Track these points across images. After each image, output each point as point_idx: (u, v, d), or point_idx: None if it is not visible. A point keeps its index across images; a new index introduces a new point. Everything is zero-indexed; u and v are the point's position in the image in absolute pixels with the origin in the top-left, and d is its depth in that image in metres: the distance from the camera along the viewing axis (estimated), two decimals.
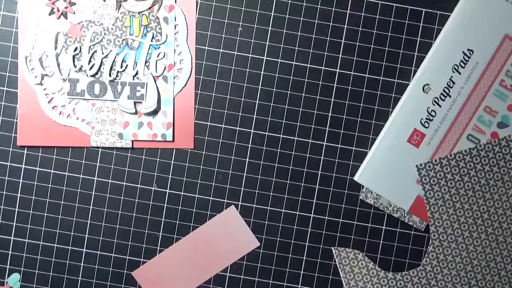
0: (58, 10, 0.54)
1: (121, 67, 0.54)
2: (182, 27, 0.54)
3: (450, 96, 0.52)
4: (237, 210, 0.55)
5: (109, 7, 0.54)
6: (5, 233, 0.55)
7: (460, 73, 0.52)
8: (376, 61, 0.54)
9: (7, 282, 0.55)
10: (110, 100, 0.54)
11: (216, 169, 0.55)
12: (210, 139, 0.55)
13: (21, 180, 0.55)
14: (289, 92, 0.55)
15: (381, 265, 0.55)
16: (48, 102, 0.54)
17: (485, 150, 0.51)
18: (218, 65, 0.55)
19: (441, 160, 0.51)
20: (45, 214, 0.55)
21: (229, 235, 0.55)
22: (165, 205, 0.55)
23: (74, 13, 0.54)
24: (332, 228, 0.55)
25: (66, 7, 0.54)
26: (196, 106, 0.55)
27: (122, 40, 0.54)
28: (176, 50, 0.54)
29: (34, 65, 0.54)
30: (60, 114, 0.54)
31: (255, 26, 0.55)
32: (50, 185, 0.55)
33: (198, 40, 0.55)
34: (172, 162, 0.55)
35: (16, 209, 0.55)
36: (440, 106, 0.52)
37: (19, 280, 0.55)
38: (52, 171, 0.55)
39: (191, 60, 0.54)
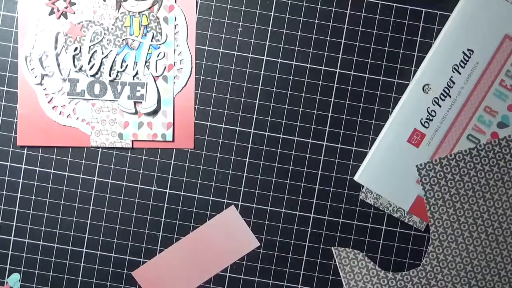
0: (58, 10, 0.54)
1: (121, 67, 0.54)
2: (182, 27, 0.54)
3: (450, 96, 0.52)
4: (237, 210, 0.55)
5: (109, 7, 0.54)
6: (5, 233, 0.55)
7: (460, 73, 0.52)
8: (376, 61, 0.54)
9: (7, 282, 0.55)
10: (110, 100, 0.54)
11: (216, 169, 0.55)
12: (210, 139, 0.55)
13: (21, 180, 0.55)
14: (289, 92, 0.55)
15: (381, 265, 0.55)
16: (48, 102, 0.54)
17: (485, 150, 0.51)
18: (218, 65, 0.55)
19: (441, 160, 0.51)
20: (45, 214, 0.55)
21: (229, 235, 0.55)
22: (165, 205, 0.55)
23: (74, 13, 0.54)
24: (332, 228, 0.55)
25: (66, 7, 0.54)
26: (196, 106, 0.55)
27: (122, 40, 0.54)
28: (176, 50, 0.54)
29: (34, 65, 0.54)
30: (60, 114, 0.54)
31: (255, 26, 0.55)
32: (50, 185, 0.55)
33: (198, 40, 0.55)
34: (172, 162, 0.55)
35: (16, 209, 0.55)
36: (440, 106, 0.52)
37: (19, 280, 0.55)
38: (52, 171, 0.55)
39: (191, 60, 0.54)
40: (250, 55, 0.55)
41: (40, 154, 0.55)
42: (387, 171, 0.52)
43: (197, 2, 0.54)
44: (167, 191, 0.55)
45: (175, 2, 0.54)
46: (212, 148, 0.55)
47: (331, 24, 0.54)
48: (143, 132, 0.54)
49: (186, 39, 0.54)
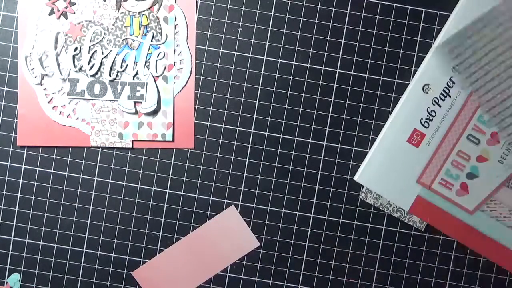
0: (58, 10, 0.54)
1: (121, 67, 0.54)
2: (182, 27, 0.54)
3: (450, 96, 0.52)
4: (237, 210, 0.55)
5: (109, 7, 0.54)
6: (5, 233, 0.55)
7: (460, 73, 0.52)
8: (376, 61, 0.54)
9: (7, 282, 0.55)
10: (110, 100, 0.54)
11: (216, 169, 0.55)
12: (210, 139, 0.55)
13: (21, 180, 0.55)
14: (289, 92, 0.55)
15: (381, 265, 0.55)
16: (48, 102, 0.54)
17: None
18: (218, 65, 0.55)
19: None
20: (45, 214, 0.55)
21: (229, 235, 0.55)
22: (165, 205, 0.55)
23: (74, 13, 0.54)
24: (332, 228, 0.55)
25: (66, 7, 0.54)
26: (196, 106, 0.55)
27: (122, 40, 0.54)
28: (176, 50, 0.54)
29: (34, 65, 0.54)
30: (60, 114, 0.54)
31: (255, 26, 0.55)
32: (50, 185, 0.55)
33: (198, 40, 0.55)
34: (172, 162, 0.55)
35: (16, 209, 0.55)
36: (440, 106, 0.52)
37: (19, 280, 0.55)
38: (52, 171, 0.55)
39: (191, 60, 0.54)
40: (250, 55, 0.55)
41: (40, 154, 0.55)
42: (387, 171, 0.52)
43: (197, 2, 0.54)
44: (167, 191, 0.55)
45: (175, 2, 0.54)
46: (212, 148, 0.55)
47: (331, 24, 0.54)
48: (143, 132, 0.54)
49: (186, 39, 0.54)
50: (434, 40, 0.54)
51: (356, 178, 0.53)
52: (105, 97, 0.54)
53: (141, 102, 0.54)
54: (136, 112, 0.54)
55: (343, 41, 0.55)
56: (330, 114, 0.55)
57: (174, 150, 0.55)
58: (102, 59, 0.54)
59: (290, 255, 0.55)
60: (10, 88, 0.54)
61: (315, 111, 0.55)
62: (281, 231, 0.55)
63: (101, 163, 0.55)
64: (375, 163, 0.52)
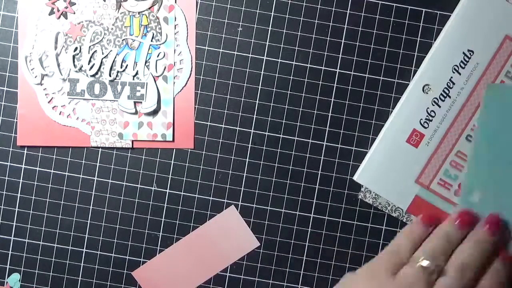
0: (58, 10, 0.53)
1: (121, 67, 0.54)
2: (182, 27, 0.54)
3: (450, 97, 0.52)
4: (237, 210, 0.55)
5: (109, 7, 0.54)
6: (5, 233, 0.55)
7: (460, 74, 0.52)
8: (376, 61, 0.54)
9: (7, 282, 0.55)
10: (110, 100, 0.54)
11: (216, 169, 0.55)
12: (210, 139, 0.55)
13: (21, 180, 0.55)
14: (289, 92, 0.55)
15: None
16: (48, 102, 0.54)
17: None
18: (218, 65, 0.55)
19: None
20: (45, 214, 0.55)
21: (229, 235, 0.55)
22: (165, 205, 0.55)
23: (74, 13, 0.54)
24: (332, 228, 0.55)
25: (66, 7, 0.54)
26: (196, 106, 0.55)
27: (122, 40, 0.54)
28: (176, 50, 0.54)
29: (34, 65, 0.54)
30: (60, 114, 0.54)
31: (255, 26, 0.55)
32: (50, 185, 0.55)
33: (198, 40, 0.54)
34: (172, 162, 0.55)
35: (16, 209, 0.55)
36: (439, 107, 0.52)
37: (19, 280, 0.55)
38: (52, 171, 0.55)
39: (191, 60, 0.54)
40: (250, 55, 0.55)
41: (40, 154, 0.55)
42: (386, 171, 0.52)
43: (197, 2, 0.54)
44: (167, 191, 0.55)
45: (175, 2, 0.54)
46: (212, 148, 0.55)
47: (331, 24, 0.54)
48: (143, 132, 0.54)
49: (186, 39, 0.54)
50: (434, 40, 0.54)
51: (355, 178, 0.53)
52: (105, 97, 0.54)
53: (141, 102, 0.54)
54: (136, 112, 0.54)
55: (343, 41, 0.55)
56: (330, 114, 0.55)
57: (174, 150, 0.55)
58: (102, 59, 0.54)
59: (290, 255, 0.55)
60: (10, 88, 0.54)
61: (315, 111, 0.55)
62: (281, 231, 0.55)
63: (101, 163, 0.55)
64: (375, 163, 0.52)
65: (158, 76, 0.54)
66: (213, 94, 0.55)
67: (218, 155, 0.55)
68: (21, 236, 0.55)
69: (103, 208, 0.55)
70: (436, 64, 0.52)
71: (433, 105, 0.52)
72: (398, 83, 0.54)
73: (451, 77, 0.52)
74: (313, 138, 0.55)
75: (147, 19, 0.54)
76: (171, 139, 0.54)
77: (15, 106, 0.54)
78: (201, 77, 0.55)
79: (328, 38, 0.55)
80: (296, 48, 0.55)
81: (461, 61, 0.52)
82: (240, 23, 0.55)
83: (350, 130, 0.55)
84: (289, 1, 0.54)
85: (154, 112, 0.54)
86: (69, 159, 0.55)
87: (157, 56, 0.54)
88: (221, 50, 0.55)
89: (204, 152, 0.55)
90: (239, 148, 0.55)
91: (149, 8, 0.54)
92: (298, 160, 0.55)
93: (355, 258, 0.55)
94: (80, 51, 0.54)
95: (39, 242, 0.55)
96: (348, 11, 0.54)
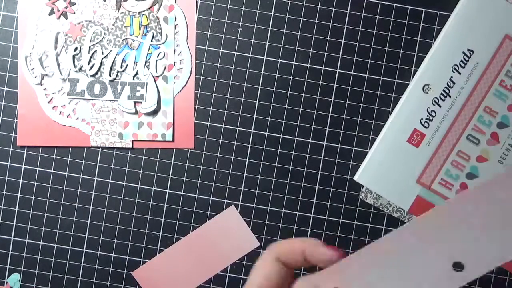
0: (58, 10, 0.54)
1: (121, 67, 0.54)
2: (182, 27, 0.54)
3: (450, 96, 0.52)
4: (237, 210, 0.55)
5: (109, 7, 0.54)
6: (5, 233, 0.55)
7: (460, 73, 0.52)
8: (376, 61, 0.54)
9: (7, 282, 0.55)
10: (110, 100, 0.54)
11: (216, 169, 0.55)
12: (210, 139, 0.55)
13: (21, 180, 0.55)
14: (289, 92, 0.55)
15: None
16: (48, 102, 0.54)
17: None
18: (218, 65, 0.55)
19: None
20: (45, 214, 0.55)
21: (229, 235, 0.55)
22: (165, 205, 0.55)
23: (74, 13, 0.54)
24: (332, 228, 0.55)
25: (66, 7, 0.54)
26: (196, 106, 0.55)
27: (122, 40, 0.54)
28: (176, 50, 0.54)
29: (34, 65, 0.54)
30: (60, 114, 0.54)
31: (255, 26, 0.55)
32: (50, 185, 0.55)
33: (198, 40, 0.55)
34: (172, 162, 0.55)
35: (16, 209, 0.55)
36: (440, 106, 0.52)
37: (19, 280, 0.55)
38: (52, 171, 0.55)
39: (191, 60, 0.54)
40: (250, 55, 0.55)
41: (40, 154, 0.55)
42: (387, 171, 0.52)
43: (197, 2, 0.54)
44: (167, 191, 0.55)
45: (175, 2, 0.54)
46: (212, 148, 0.55)
47: (331, 24, 0.54)
48: (143, 132, 0.54)
49: (186, 39, 0.54)
50: (434, 40, 0.54)
51: (356, 178, 0.53)
52: (105, 97, 0.54)
53: (141, 102, 0.54)
54: (136, 112, 0.54)
55: (343, 41, 0.55)
56: (330, 114, 0.55)
57: (174, 150, 0.55)
58: (102, 59, 0.54)
59: None
60: (10, 88, 0.54)
61: (315, 111, 0.55)
62: (281, 231, 0.55)
63: (101, 163, 0.55)
64: (375, 163, 0.52)
65: (158, 76, 0.54)
66: (213, 94, 0.55)
67: (218, 155, 0.55)
68: (21, 236, 0.55)
69: (103, 208, 0.55)
70: (436, 64, 0.52)
71: (434, 104, 0.52)
72: (398, 83, 0.54)
73: (451, 77, 0.52)
74: (313, 138, 0.55)
75: (147, 19, 0.54)
76: (171, 139, 0.54)
77: (15, 106, 0.54)
78: (201, 77, 0.55)
79: (328, 38, 0.55)
80: (296, 48, 0.55)
81: (461, 61, 0.52)
82: (240, 23, 0.55)
83: (350, 130, 0.55)
84: (289, 1, 0.54)
85: (154, 112, 0.54)
86: (69, 159, 0.55)
87: (157, 56, 0.54)
88: (221, 50, 0.55)
89: (204, 152, 0.55)
90: (239, 148, 0.55)
91: (149, 8, 0.54)
92: (298, 160, 0.55)
93: None
94: (80, 51, 0.54)
95: (39, 242, 0.55)
96: (348, 11, 0.54)
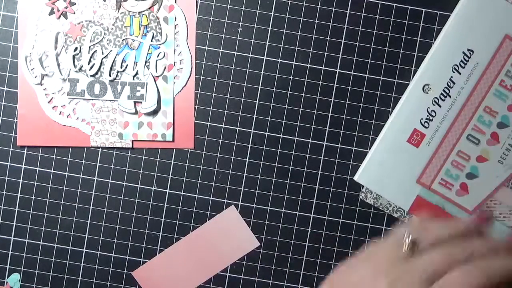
0: (58, 10, 0.54)
1: (121, 67, 0.54)
2: (182, 27, 0.54)
3: (450, 96, 0.52)
4: (237, 210, 0.55)
5: (109, 7, 0.54)
6: (5, 233, 0.55)
7: (460, 73, 0.52)
8: (376, 61, 0.54)
9: (7, 282, 0.55)
10: (110, 100, 0.54)
11: (216, 169, 0.55)
12: (210, 139, 0.55)
13: (21, 180, 0.55)
14: (289, 92, 0.55)
15: None
16: (48, 102, 0.54)
17: None
18: (218, 65, 0.55)
19: None
20: (45, 214, 0.55)
21: (229, 235, 0.55)
22: (165, 205, 0.55)
23: (74, 13, 0.54)
24: (332, 228, 0.55)
25: (66, 7, 0.54)
26: (196, 106, 0.55)
27: (122, 40, 0.54)
28: (176, 50, 0.54)
29: (34, 65, 0.54)
30: (60, 114, 0.54)
31: (255, 26, 0.55)
32: (50, 185, 0.55)
33: (198, 40, 0.55)
34: (172, 162, 0.55)
35: (16, 209, 0.55)
36: (440, 106, 0.52)
37: (19, 280, 0.55)
38: (52, 171, 0.55)
39: (191, 60, 0.54)
40: (250, 55, 0.55)
41: (40, 154, 0.55)
42: (387, 171, 0.52)
43: (197, 2, 0.54)
44: (167, 191, 0.55)
45: (175, 2, 0.54)
46: (212, 148, 0.55)
47: (331, 24, 0.54)
48: (143, 132, 0.54)
49: (186, 39, 0.54)
50: (434, 40, 0.54)
51: (356, 178, 0.53)
52: (105, 97, 0.54)
53: (141, 102, 0.54)
54: (136, 112, 0.54)
55: (343, 41, 0.55)
56: (330, 114, 0.55)
57: (174, 150, 0.55)
58: (102, 59, 0.54)
59: (290, 255, 0.55)
60: (10, 88, 0.54)
61: (315, 111, 0.55)
62: (281, 231, 0.55)
63: (101, 163, 0.55)
64: (375, 163, 0.52)
65: (158, 76, 0.54)
66: (213, 94, 0.55)
67: (218, 155, 0.55)
68: (21, 236, 0.55)
69: (103, 208, 0.55)
70: (436, 64, 0.52)
71: (434, 104, 0.52)
72: (398, 83, 0.54)
73: (451, 77, 0.52)
74: (313, 138, 0.55)
75: (147, 19, 0.54)
76: (171, 139, 0.54)
77: (15, 106, 0.54)
78: (201, 77, 0.55)
79: (328, 38, 0.54)
80: (296, 48, 0.55)
81: (461, 61, 0.52)
82: (240, 23, 0.55)
83: (350, 130, 0.55)
84: (289, 1, 0.54)
85: (154, 112, 0.54)
86: (69, 159, 0.55)
87: (157, 56, 0.54)
88: (221, 50, 0.55)
89: (204, 152, 0.55)
90: (239, 148, 0.55)
91: (149, 8, 0.54)
92: (298, 160, 0.55)
93: None
94: (80, 51, 0.54)
95: (39, 242, 0.55)
96: (348, 11, 0.54)
